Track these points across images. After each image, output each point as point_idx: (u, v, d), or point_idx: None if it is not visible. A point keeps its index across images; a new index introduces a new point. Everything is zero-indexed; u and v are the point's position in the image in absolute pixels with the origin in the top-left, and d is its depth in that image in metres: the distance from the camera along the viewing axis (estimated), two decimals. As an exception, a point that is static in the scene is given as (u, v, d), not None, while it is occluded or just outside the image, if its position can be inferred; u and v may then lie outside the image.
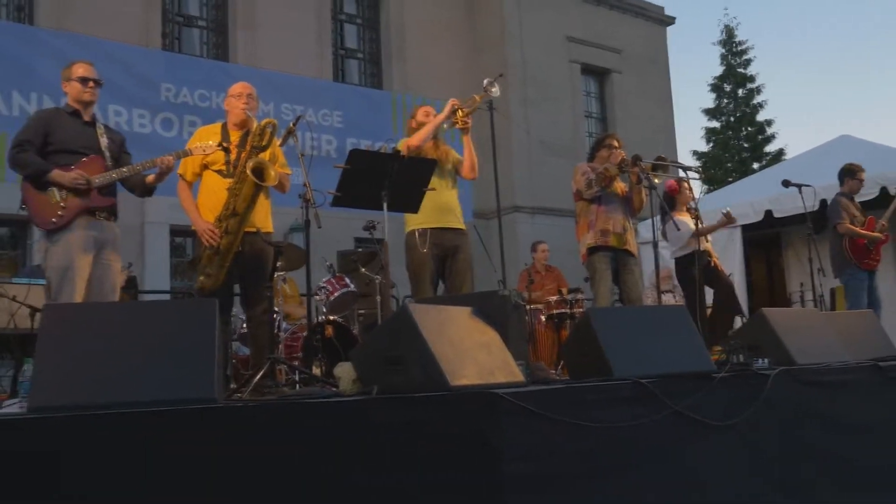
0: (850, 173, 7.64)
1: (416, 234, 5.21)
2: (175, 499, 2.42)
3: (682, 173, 6.41)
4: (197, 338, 2.73)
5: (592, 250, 5.91)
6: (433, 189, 4.89)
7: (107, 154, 4.66)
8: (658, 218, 6.17)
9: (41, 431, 2.38)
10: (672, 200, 7.17)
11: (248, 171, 4.42)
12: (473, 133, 5.44)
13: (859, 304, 7.18)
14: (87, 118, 4.71)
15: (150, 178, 4.76)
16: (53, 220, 4.39)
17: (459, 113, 5.28)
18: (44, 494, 2.33)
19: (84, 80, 4.67)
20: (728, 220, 7.03)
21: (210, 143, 4.65)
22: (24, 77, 7.44)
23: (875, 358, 4.26)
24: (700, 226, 6.60)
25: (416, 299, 5.14)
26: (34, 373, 2.58)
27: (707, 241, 7.00)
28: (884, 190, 8.76)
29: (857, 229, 7.30)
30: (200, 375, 2.64)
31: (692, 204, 7.13)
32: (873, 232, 7.36)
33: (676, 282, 7.43)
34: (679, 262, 6.89)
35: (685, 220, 6.87)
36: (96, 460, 2.39)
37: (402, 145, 5.23)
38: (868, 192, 8.61)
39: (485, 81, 5.24)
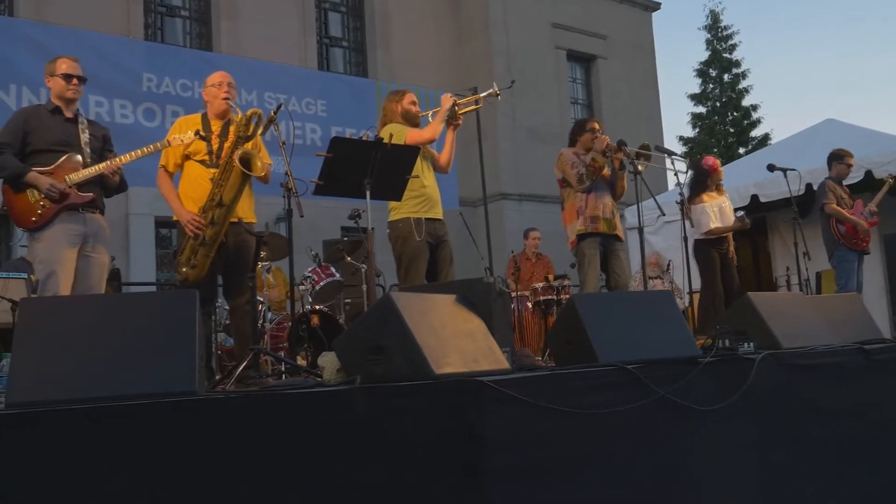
0: (837, 158, 7.68)
1: (412, 221, 5.10)
2: (156, 492, 2.39)
3: (666, 159, 6.40)
4: (177, 330, 2.69)
5: (582, 237, 5.90)
6: (416, 176, 4.85)
7: (87, 150, 4.62)
8: (643, 203, 6.15)
9: (19, 427, 2.34)
10: (707, 178, 7.20)
11: (236, 161, 4.38)
12: (459, 120, 5.45)
13: (850, 285, 7.19)
14: (69, 115, 4.66)
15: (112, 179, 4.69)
16: (33, 218, 4.41)
17: (456, 109, 5.28)
18: (23, 490, 2.29)
19: (68, 77, 4.62)
20: (742, 224, 7.09)
21: (189, 133, 4.62)
22: (3, 69, 7.35)
23: (860, 341, 4.26)
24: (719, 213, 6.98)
25: (400, 287, 5.11)
26: (11, 368, 2.54)
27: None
28: (868, 173, 8.78)
29: (843, 212, 7.33)
30: (181, 368, 2.60)
31: (721, 183, 7.31)
32: (862, 215, 7.40)
33: (679, 263, 7.58)
34: (698, 242, 6.95)
35: (710, 204, 6.96)
36: (76, 455, 2.35)
37: (412, 137, 5.11)
38: (853, 176, 8.63)
39: (495, 86, 5.25)
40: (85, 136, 4.65)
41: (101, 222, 4.68)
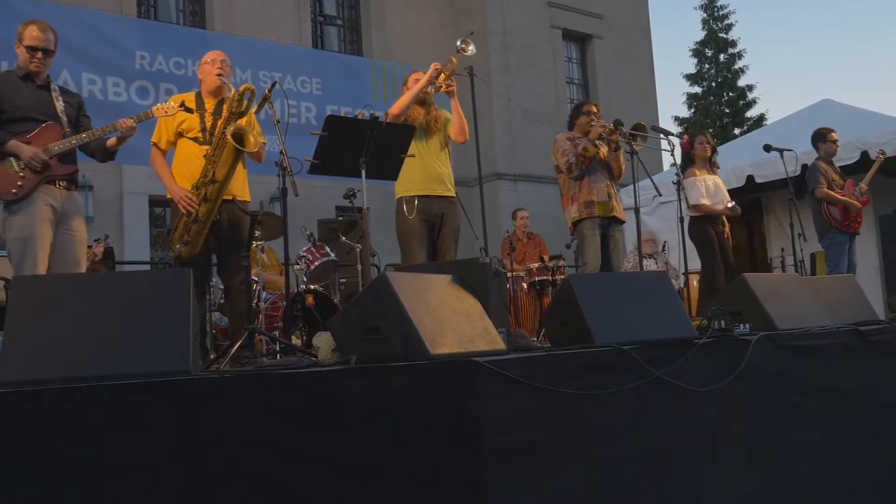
0: (822, 137, 7.68)
1: (404, 201, 5.19)
2: (150, 472, 2.38)
3: (662, 139, 6.38)
4: (171, 309, 2.67)
5: (578, 222, 5.91)
6: (412, 155, 4.84)
7: (63, 119, 4.47)
8: (639, 184, 6.13)
9: (10, 406, 2.33)
10: (689, 157, 7.24)
11: (229, 137, 4.35)
12: (455, 100, 5.40)
13: (840, 268, 7.21)
14: (39, 82, 4.47)
15: (111, 141, 4.57)
16: (13, 190, 4.22)
17: (442, 77, 5.25)
18: (13, 469, 2.28)
19: (32, 50, 4.40)
20: (732, 212, 7.09)
21: (171, 103, 4.54)
22: (-5, 46, 7.27)
23: (855, 322, 4.26)
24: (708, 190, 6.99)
25: (396, 267, 5.12)
26: (3, 346, 2.52)
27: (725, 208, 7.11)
28: (864, 154, 8.77)
29: (834, 194, 7.32)
30: (174, 347, 2.58)
31: (715, 159, 7.31)
32: (853, 195, 7.38)
33: (674, 243, 7.56)
34: (693, 220, 6.95)
35: (700, 179, 6.96)
36: (68, 435, 2.34)
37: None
38: (848, 157, 8.63)
39: (458, 42, 5.21)
40: (59, 104, 4.48)
41: (77, 199, 4.54)
